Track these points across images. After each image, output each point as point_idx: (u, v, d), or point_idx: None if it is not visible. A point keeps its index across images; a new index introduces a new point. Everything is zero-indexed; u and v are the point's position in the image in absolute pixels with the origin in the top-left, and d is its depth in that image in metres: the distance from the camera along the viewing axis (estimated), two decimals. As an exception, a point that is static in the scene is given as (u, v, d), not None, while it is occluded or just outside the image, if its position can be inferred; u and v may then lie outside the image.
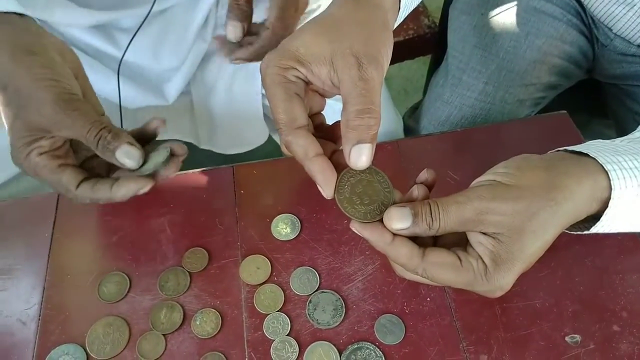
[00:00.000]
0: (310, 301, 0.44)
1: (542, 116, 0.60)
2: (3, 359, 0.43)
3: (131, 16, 0.66)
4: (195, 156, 0.60)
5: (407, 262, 0.37)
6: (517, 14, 0.66)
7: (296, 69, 0.38)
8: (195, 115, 0.76)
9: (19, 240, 0.49)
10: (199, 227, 0.49)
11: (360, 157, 0.36)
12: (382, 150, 0.54)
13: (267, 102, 0.67)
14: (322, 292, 0.45)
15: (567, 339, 0.42)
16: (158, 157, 0.41)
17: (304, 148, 0.37)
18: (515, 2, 0.68)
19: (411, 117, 0.69)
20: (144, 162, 0.41)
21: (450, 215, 0.35)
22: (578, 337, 0.42)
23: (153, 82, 0.70)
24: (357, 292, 0.45)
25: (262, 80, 0.38)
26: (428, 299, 0.44)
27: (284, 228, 0.49)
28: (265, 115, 0.72)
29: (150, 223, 0.50)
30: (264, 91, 0.69)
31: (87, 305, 0.45)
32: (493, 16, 0.66)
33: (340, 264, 0.47)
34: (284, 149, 0.40)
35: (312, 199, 0.51)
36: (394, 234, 0.36)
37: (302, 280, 0.46)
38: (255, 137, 0.69)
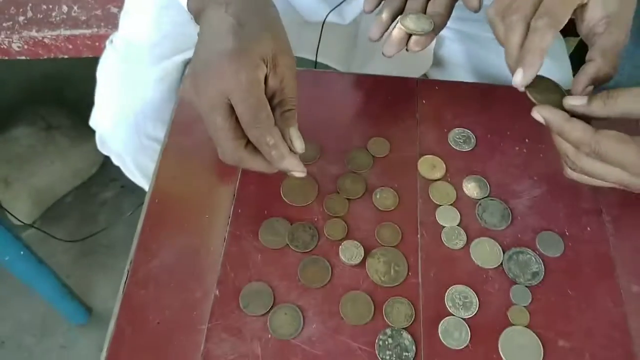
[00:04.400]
0: (479, 204, 0.49)
1: None
2: (204, 197, 0.50)
3: None
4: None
5: (582, 134, 0.40)
6: None
7: None
8: (358, 39, 0.80)
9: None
10: (383, 120, 0.55)
11: None
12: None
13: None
14: (492, 199, 0.50)
15: None
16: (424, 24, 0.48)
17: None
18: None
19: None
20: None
21: (628, 92, 0.39)
22: None
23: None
24: (523, 208, 0.49)
25: None
26: (588, 229, 0.48)
27: (460, 140, 0.53)
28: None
29: (342, 109, 0.56)
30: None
31: (282, 161, 0.51)
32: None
33: (509, 181, 0.51)
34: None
35: (490, 121, 0.55)
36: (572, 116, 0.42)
37: (473, 186, 0.50)
38: (418, 65, 0.73)
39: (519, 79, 0.44)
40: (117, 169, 0.76)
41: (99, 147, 0.64)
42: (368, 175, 0.51)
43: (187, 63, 0.58)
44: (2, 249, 0.79)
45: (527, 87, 0.44)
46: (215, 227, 0.47)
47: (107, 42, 0.62)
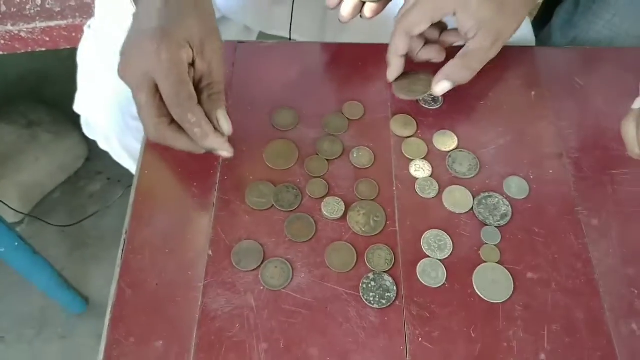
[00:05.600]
0: (449, 156, 0.53)
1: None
2: (191, 168, 0.52)
3: None
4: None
5: None
6: None
7: None
8: (328, 13, 0.83)
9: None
10: (356, 85, 0.58)
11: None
12: (514, 55, 0.61)
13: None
14: (461, 150, 0.53)
15: (668, 220, 0.49)
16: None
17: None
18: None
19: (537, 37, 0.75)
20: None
21: None
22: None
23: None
24: (489, 157, 0.53)
25: None
26: (550, 171, 0.52)
27: (429, 99, 0.57)
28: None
29: (316, 77, 0.58)
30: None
31: (264, 130, 0.54)
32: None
33: (476, 132, 0.54)
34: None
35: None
36: None
37: (444, 139, 0.54)
38: (388, 35, 0.76)
39: (387, 75, 0.53)
40: (103, 162, 0.78)
41: (85, 131, 0.66)
42: (344, 137, 0.54)
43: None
44: (-4, 240, 0.81)
45: (395, 80, 0.54)
46: (204, 194, 0.50)
47: (85, 27, 0.64)
